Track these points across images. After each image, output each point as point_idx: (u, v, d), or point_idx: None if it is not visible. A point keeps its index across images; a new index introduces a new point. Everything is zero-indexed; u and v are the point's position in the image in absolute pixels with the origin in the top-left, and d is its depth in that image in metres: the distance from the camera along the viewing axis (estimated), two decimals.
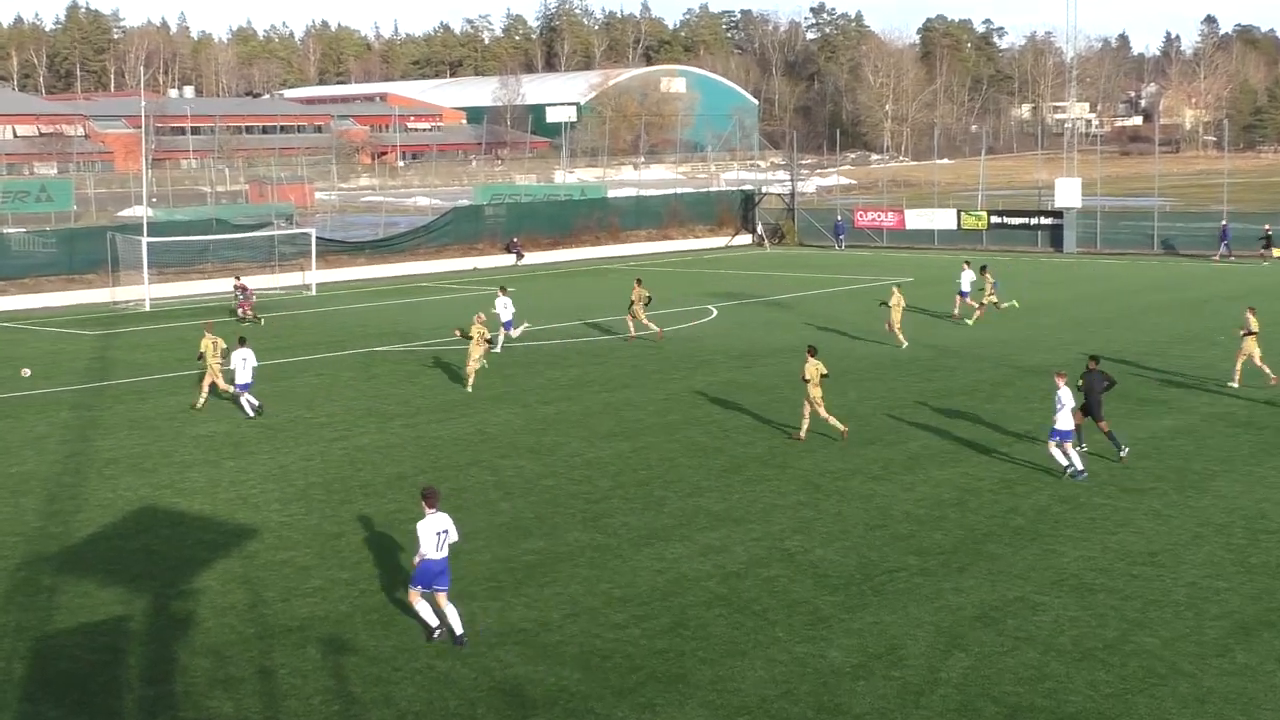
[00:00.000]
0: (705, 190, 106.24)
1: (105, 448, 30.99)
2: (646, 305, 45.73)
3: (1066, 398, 26.38)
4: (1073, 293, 59.00)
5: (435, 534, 18.45)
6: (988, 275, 50.25)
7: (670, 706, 16.45)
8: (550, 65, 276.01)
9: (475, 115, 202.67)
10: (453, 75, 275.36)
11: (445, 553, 18.53)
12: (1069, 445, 26.48)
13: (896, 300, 44.03)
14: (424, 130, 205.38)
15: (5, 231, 70.22)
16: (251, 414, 34.34)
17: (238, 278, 59.02)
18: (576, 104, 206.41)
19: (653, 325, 46.46)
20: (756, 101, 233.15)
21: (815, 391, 29.96)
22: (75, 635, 19.04)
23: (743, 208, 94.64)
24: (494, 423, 33.15)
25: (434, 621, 18.69)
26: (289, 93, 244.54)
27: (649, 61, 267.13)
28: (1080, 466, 26.44)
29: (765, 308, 55.60)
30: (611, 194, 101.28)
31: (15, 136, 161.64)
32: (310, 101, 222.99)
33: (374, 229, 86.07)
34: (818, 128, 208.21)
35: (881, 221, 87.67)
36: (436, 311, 56.65)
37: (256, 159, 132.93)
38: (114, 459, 29.88)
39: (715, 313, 53.89)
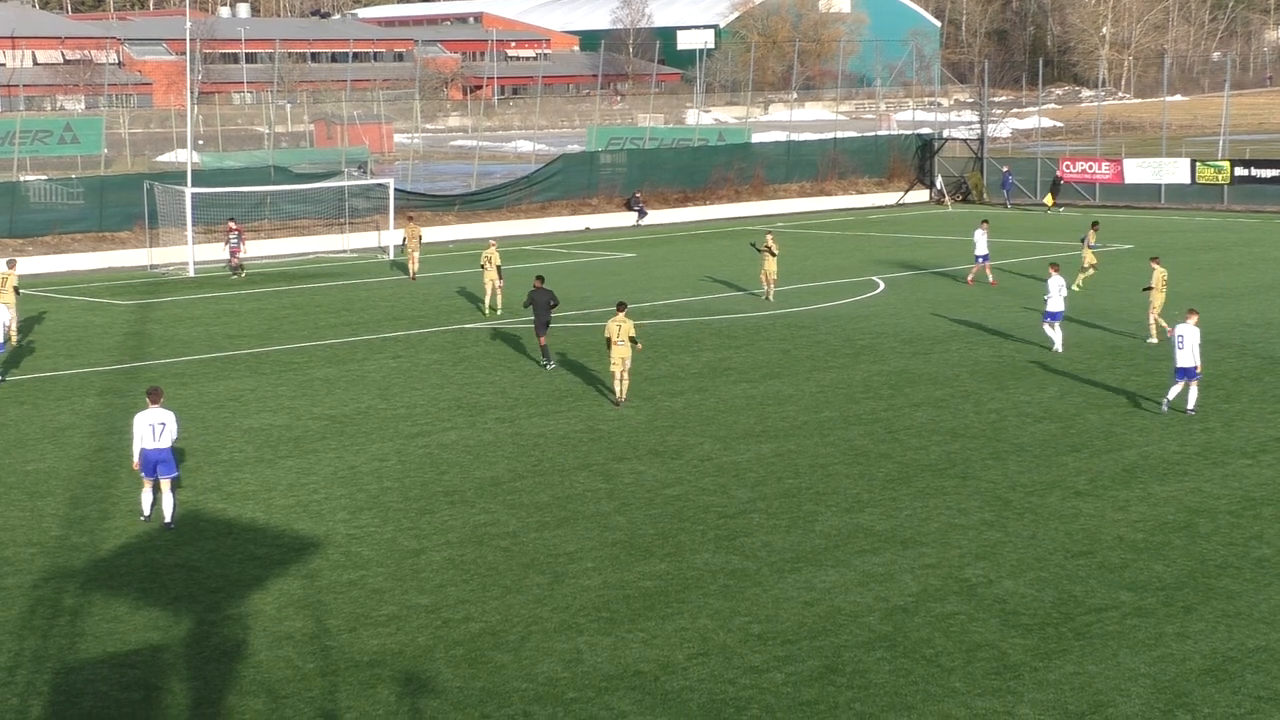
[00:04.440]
0: (872, 135, 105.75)
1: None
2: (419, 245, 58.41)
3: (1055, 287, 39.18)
4: None
5: (149, 425, 25.13)
6: (1094, 233, 53.48)
7: None
8: None
9: (590, 41, 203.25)
10: None
11: (165, 443, 25.10)
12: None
13: (774, 246, 50.31)
14: (527, 59, 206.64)
15: (24, 179, 71.82)
16: None
17: (233, 220, 60.93)
18: (714, 27, 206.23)
19: (415, 265, 57.90)
20: (939, 24, 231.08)
21: (619, 351, 33.79)
22: (103, 667, 19.54)
23: (919, 157, 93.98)
24: (608, 418, 33.38)
25: (147, 511, 25.51)
26: (364, 12, 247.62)
27: None
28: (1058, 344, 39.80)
29: (944, 281, 55.24)
30: (756, 139, 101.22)
31: (36, 64, 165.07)
32: (390, 23, 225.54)
33: (465, 180, 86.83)
34: (1015, 57, 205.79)
35: (1093, 174, 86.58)
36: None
37: (324, 93, 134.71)
38: None
39: (882, 286, 53.67)
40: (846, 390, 35.85)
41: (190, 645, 20.28)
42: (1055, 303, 40.02)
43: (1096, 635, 20.07)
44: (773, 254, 49.93)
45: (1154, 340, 41.05)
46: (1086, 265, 52.09)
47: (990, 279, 53.48)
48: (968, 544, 24.08)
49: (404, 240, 59.68)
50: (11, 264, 45.79)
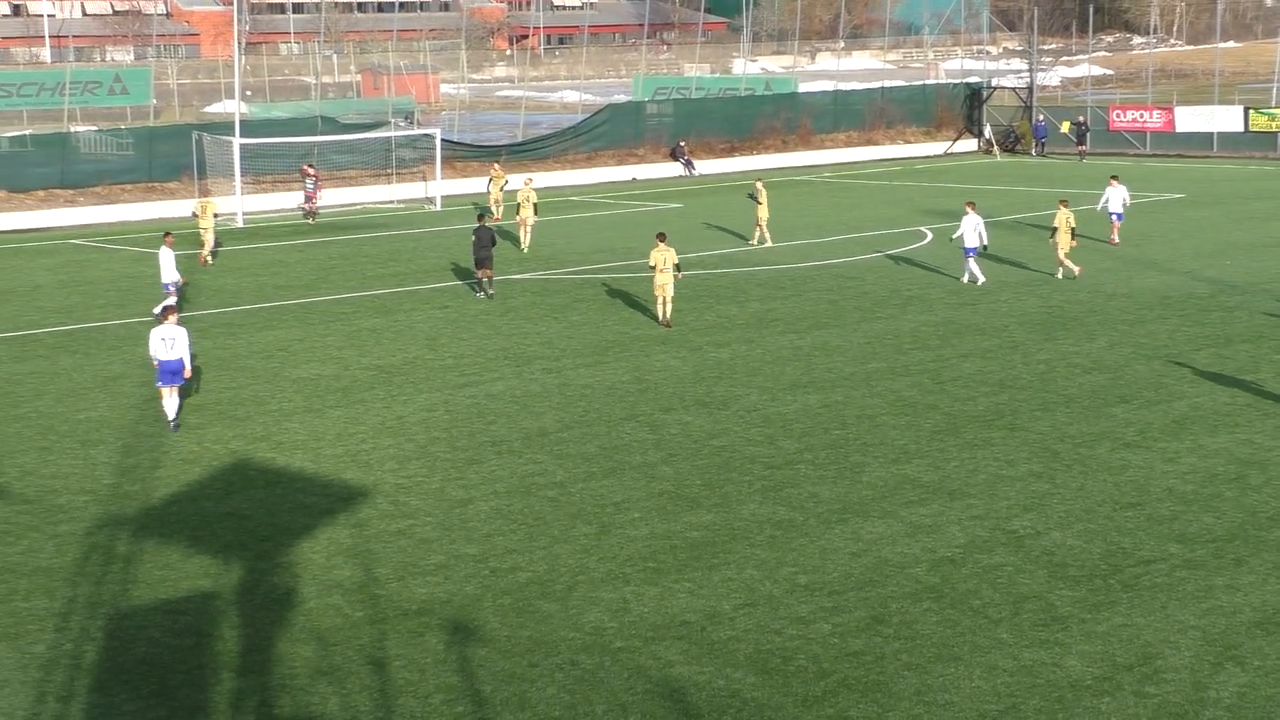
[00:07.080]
0: (920, 84, 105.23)
1: (189, 391, 31.88)
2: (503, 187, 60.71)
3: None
4: None
5: (161, 339, 28.25)
6: None
7: None
8: None
9: None
10: None
11: (176, 355, 28.19)
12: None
13: (763, 194, 51.33)
14: (574, 8, 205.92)
15: (74, 130, 72.34)
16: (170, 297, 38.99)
17: (310, 165, 63.47)
18: None
19: (499, 206, 59.31)
20: None
21: (663, 278, 37.07)
22: (155, 614, 19.70)
23: (967, 106, 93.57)
24: (655, 369, 33.39)
25: (170, 415, 28.61)
26: None
27: None
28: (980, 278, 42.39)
29: (993, 231, 54.90)
30: (803, 88, 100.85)
31: (85, 15, 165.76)
32: None
33: (511, 130, 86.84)
34: (1065, 4, 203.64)
35: (1144, 123, 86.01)
36: (588, 232, 57.05)
37: (371, 44, 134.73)
38: (199, 405, 30.74)
39: (930, 237, 53.46)
40: (894, 341, 35.76)
41: (241, 593, 20.43)
42: (970, 239, 42.68)
43: (1145, 587, 20.01)
44: (758, 202, 51.06)
45: (1060, 277, 43.32)
46: None
47: (1114, 239, 50.15)
48: (1015, 495, 24.03)
49: (489, 184, 61.42)
50: (206, 191, 52.78)
